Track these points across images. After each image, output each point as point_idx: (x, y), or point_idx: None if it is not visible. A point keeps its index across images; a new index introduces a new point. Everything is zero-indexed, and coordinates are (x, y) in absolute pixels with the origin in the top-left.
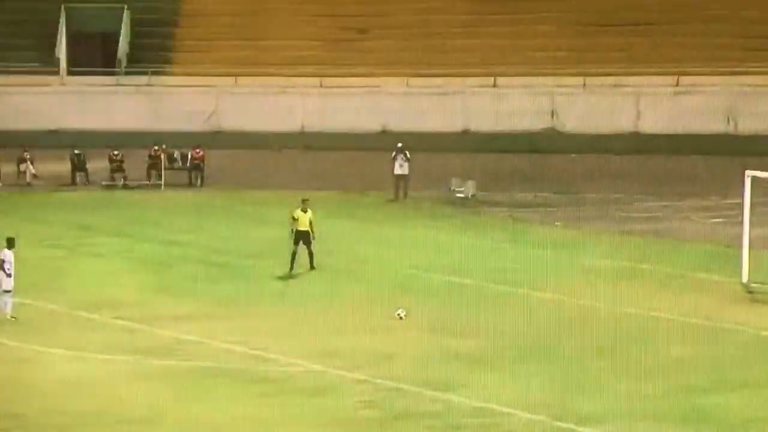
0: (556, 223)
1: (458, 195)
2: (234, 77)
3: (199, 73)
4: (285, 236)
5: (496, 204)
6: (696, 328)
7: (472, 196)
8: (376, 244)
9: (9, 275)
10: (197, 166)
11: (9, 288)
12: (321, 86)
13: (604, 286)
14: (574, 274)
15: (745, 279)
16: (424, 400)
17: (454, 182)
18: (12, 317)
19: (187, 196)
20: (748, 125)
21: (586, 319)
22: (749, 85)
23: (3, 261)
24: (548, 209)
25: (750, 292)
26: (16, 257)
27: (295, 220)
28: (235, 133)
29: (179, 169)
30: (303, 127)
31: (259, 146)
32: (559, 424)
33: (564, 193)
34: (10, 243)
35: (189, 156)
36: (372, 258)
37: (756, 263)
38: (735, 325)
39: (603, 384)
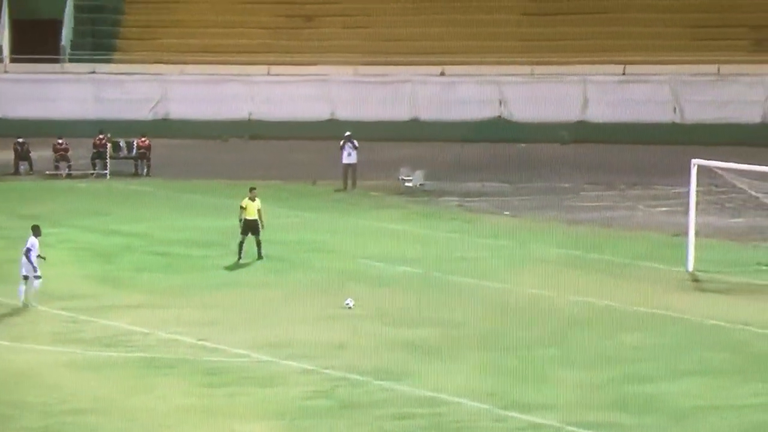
0: (505, 213)
1: (407, 184)
2: (180, 65)
3: (144, 61)
4: (233, 226)
5: (445, 193)
6: (643, 316)
7: (421, 185)
8: (325, 234)
9: (33, 265)
10: (143, 155)
11: (39, 274)
12: (268, 74)
13: (553, 275)
14: (523, 263)
15: (690, 268)
16: (373, 390)
17: (403, 171)
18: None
19: (132, 185)
20: (693, 114)
21: (535, 308)
22: (695, 74)
23: (29, 249)
24: (497, 198)
25: (695, 281)
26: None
27: (243, 209)
28: (181, 121)
29: (125, 158)
30: (250, 115)
31: (206, 135)
32: (506, 413)
33: (512, 183)
34: (36, 231)
35: (135, 145)
36: (321, 248)
37: (701, 252)
38: (681, 313)
39: (552, 373)
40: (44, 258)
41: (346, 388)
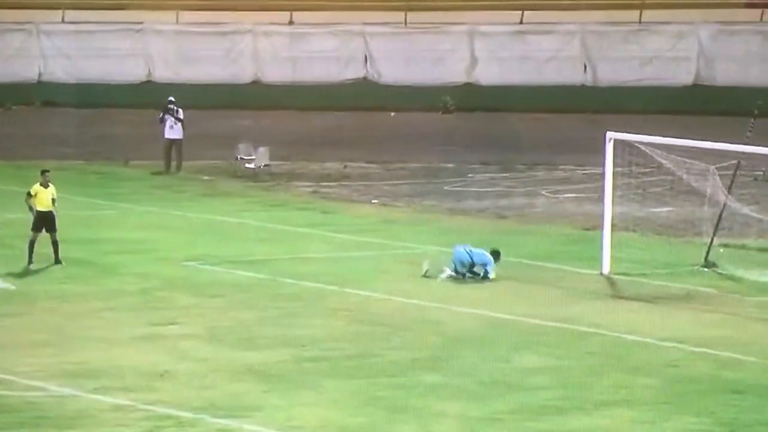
0: (373, 201)
1: (247, 165)
2: None
3: None
4: (21, 220)
5: (297, 177)
6: (546, 331)
7: (266, 166)
8: (142, 230)
9: None
10: None
11: None
12: (63, 22)
13: (435, 281)
14: (395, 265)
15: (606, 270)
16: (207, 431)
17: (242, 149)
18: None
19: None
20: (609, 74)
21: (410, 322)
22: (610, 23)
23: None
24: (362, 183)
25: (612, 286)
26: None
27: (32, 197)
28: None
29: None
30: (41, 75)
31: None
32: None
33: (381, 162)
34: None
35: None
36: (136, 248)
37: (620, 250)
38: (594, 327)
39: (432, 404)
40: None
41: (172, 428)
